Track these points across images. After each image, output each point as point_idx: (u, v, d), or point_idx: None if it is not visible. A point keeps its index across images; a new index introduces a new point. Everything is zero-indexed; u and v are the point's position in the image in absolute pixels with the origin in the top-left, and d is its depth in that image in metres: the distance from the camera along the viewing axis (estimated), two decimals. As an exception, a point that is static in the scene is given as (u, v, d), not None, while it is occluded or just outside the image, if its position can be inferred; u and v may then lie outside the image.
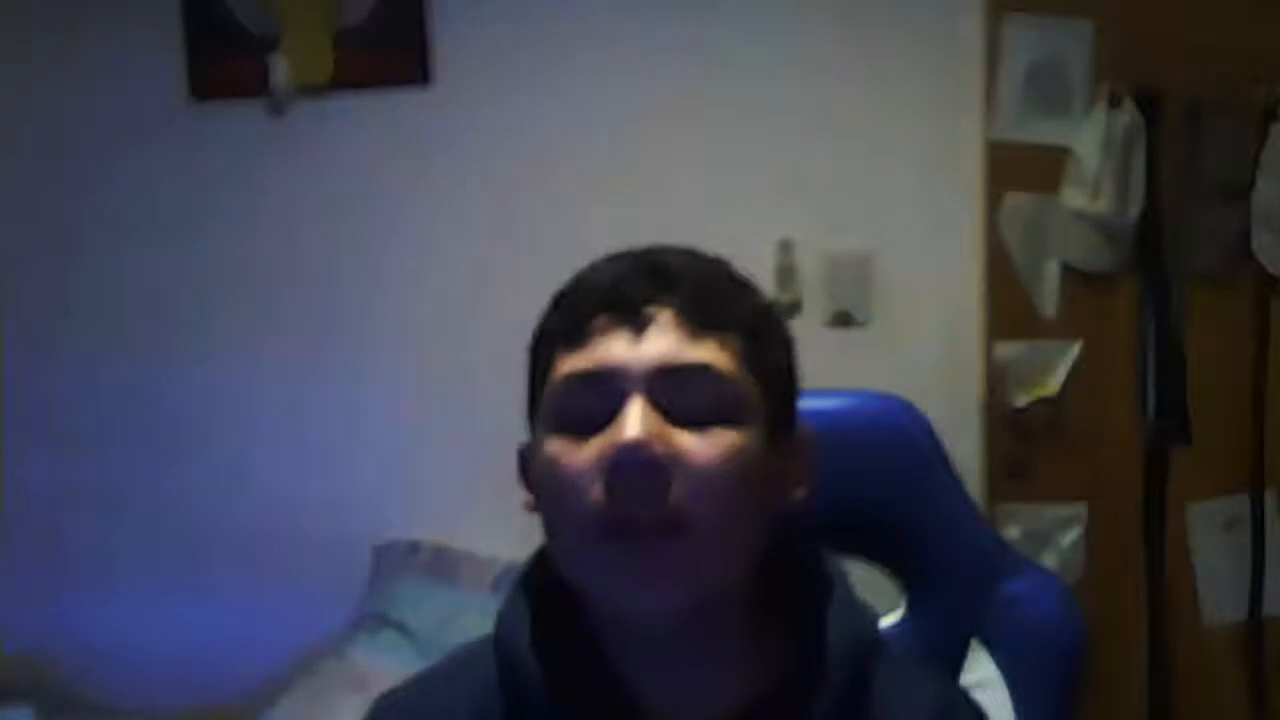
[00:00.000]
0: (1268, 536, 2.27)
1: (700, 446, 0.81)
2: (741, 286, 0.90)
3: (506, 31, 2.41)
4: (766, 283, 2.40)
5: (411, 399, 2.47)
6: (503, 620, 0.91)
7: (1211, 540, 2.28)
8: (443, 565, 2.35)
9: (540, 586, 0.91)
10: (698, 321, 0.84)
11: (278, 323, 2.52)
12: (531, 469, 0.88)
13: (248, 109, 2.46)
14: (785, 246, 2.37)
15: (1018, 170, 2.23)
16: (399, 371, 2.48)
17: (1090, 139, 2.19)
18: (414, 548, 2.41)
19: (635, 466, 0.79)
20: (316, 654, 2.33)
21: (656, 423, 0.80)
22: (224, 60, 2.46)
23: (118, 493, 2.55)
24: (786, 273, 2.37)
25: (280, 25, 2.43)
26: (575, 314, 0.86)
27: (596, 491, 0.80)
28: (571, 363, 0.84)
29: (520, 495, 0.90)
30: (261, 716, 2.20)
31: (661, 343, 0.83)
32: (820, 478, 0.93)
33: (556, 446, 0.83)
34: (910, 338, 2.36)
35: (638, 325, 0.84)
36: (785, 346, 0.91)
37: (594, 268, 0.89)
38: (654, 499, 0.80)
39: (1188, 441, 2.24)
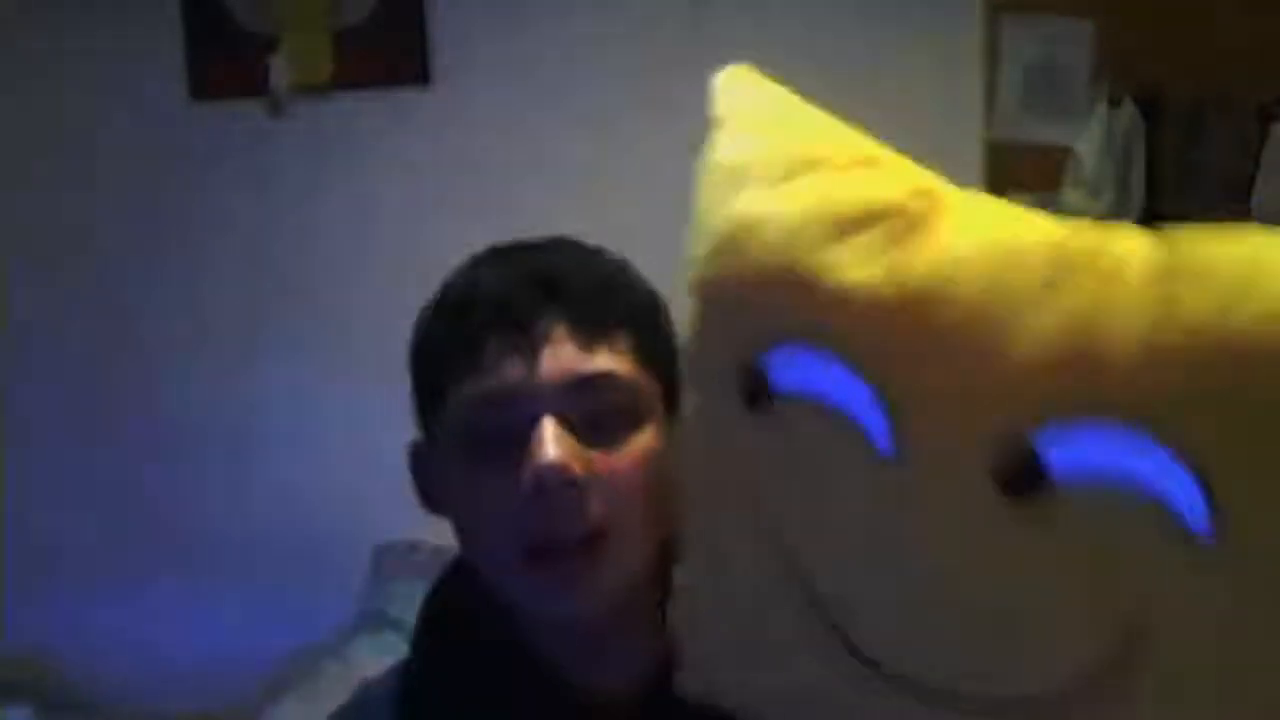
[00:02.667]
0: (1268, 536, 2.27)
1: (613, 460, 0.83)
2: (625, 280, 0.90)
3: (506, 31, 2.41)
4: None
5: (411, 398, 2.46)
6: (418, 659, 0.95)
7: (1211, 540, 2.28)
8: (443, 565, 2.35)
9: (452, 595, 0.95)
10: (590, 329, 0.85)
11: (277, 322, 2.52)
12: (433, 478, 0.91)
13: (248, 109, 2.46)
14: (785, 246, 2.37)
15: (1018, 170, 2.23)
16: (399, 370, 2.47)
17: (1090, 139, 2.19)
18: (414, 548, 2.41)
19: (556, 490, 0.80)
20: (316, 654, 2.33)
21: (569, 443, 0.81)
22: (224, 60, 2.46)
23: (118, 493, 2.55)
24: (786, 273, 2.37)
25: (280, 25, 2.43)
26: (465, 334, 0.86)
27: (517, 517, 0.81)
28: (470, 386, 0.85)
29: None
30: (262, 717, 2.21)
31: (560, 359, 0.84)
32: None
33: (469, 470, 0.85)
34: (910, 338, 2.36)
35: (532, 344, 0.84)
36: (671, 331, 0.90)
37: (478, 278, 0.91)
38: (576, 518, 0.81)
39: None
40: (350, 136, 2.46)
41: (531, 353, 0.84)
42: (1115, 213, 2.20)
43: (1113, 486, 0.59)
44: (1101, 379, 0.59)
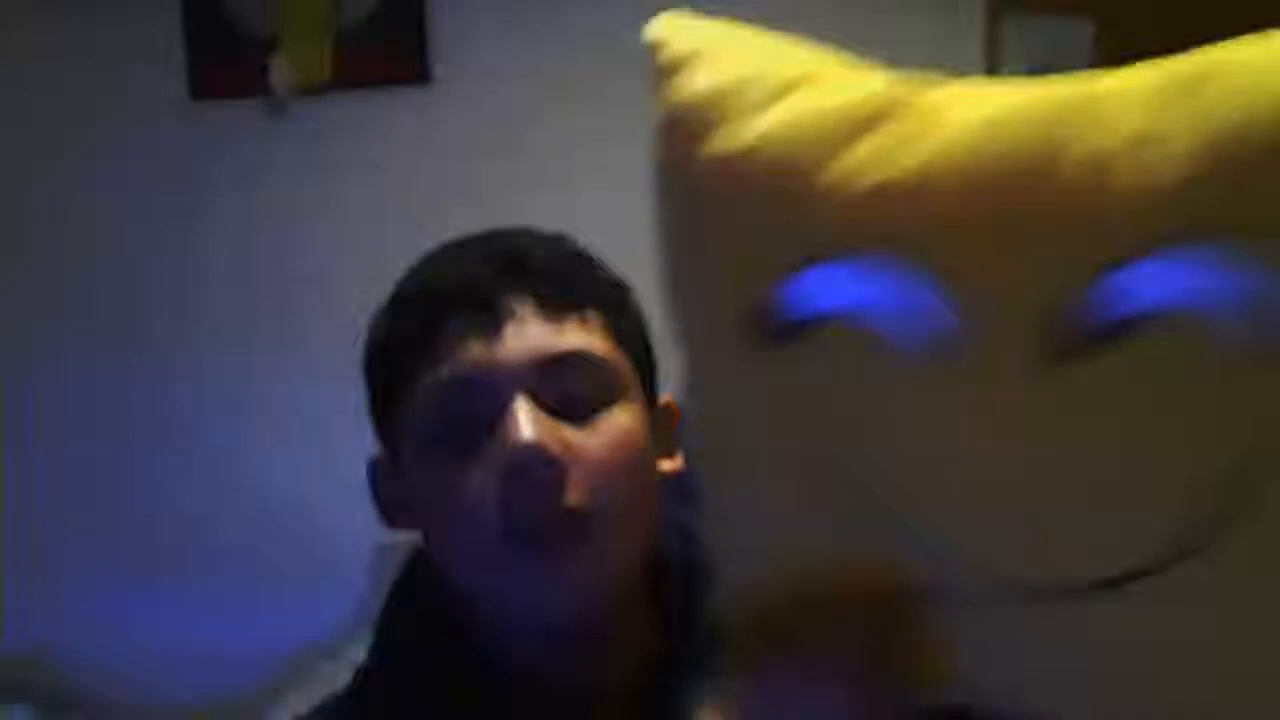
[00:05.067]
0: (1268, 536, 2.27)
1: (591, 440, 0.78)
2: (591, 261, 0.86)
3: (506, 31, 2.41)
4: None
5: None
6: (372, 669, 0.88)
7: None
8: (442, 565, 2.35)
9: (411, 613, 0.88)
10: (559, 306, 0.80)
11: (277, 321, 2.52)
12: (394, 486, 0.85)
13: (248, 109, 2.46)
14: (785, 246, 2.37)
15: (1018, 170, 2.23)
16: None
17: (1090, 139, 2.19)
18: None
19: (533, 469, 0.75)
20: (316, 654, 2.33)
21: (544, 421, 0.77)
22: (224, 60, 2.46)
23: (117, 492, 2.55)
24: (786, 273, 2.37)
25: (280, 25, 2.43)
26: (425, 320, 0.81)
27: (492, 503, 0.76)
28: (434, 374, 0.80)
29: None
30: (262, 717, 2.21)
31: (529, 336, 0.79)
32: None
33: (437, 463, 0.79)
34: (910, 338, 2.36)
35: (500, 322, 0.79)
36: (641, 318, 0.86)
37: (436, 264, 0.85)
38: (556, 498, 0.76)
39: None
40: (350, 136, 2.46)
41: (496, 332, 0.79)
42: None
43: (1176, 313, 0.54)
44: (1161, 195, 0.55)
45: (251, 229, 2.51)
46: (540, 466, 0.75)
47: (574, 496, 0.76)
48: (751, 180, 0.62)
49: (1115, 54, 2.41)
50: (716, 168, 0.63)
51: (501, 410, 0.77)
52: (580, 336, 0.80)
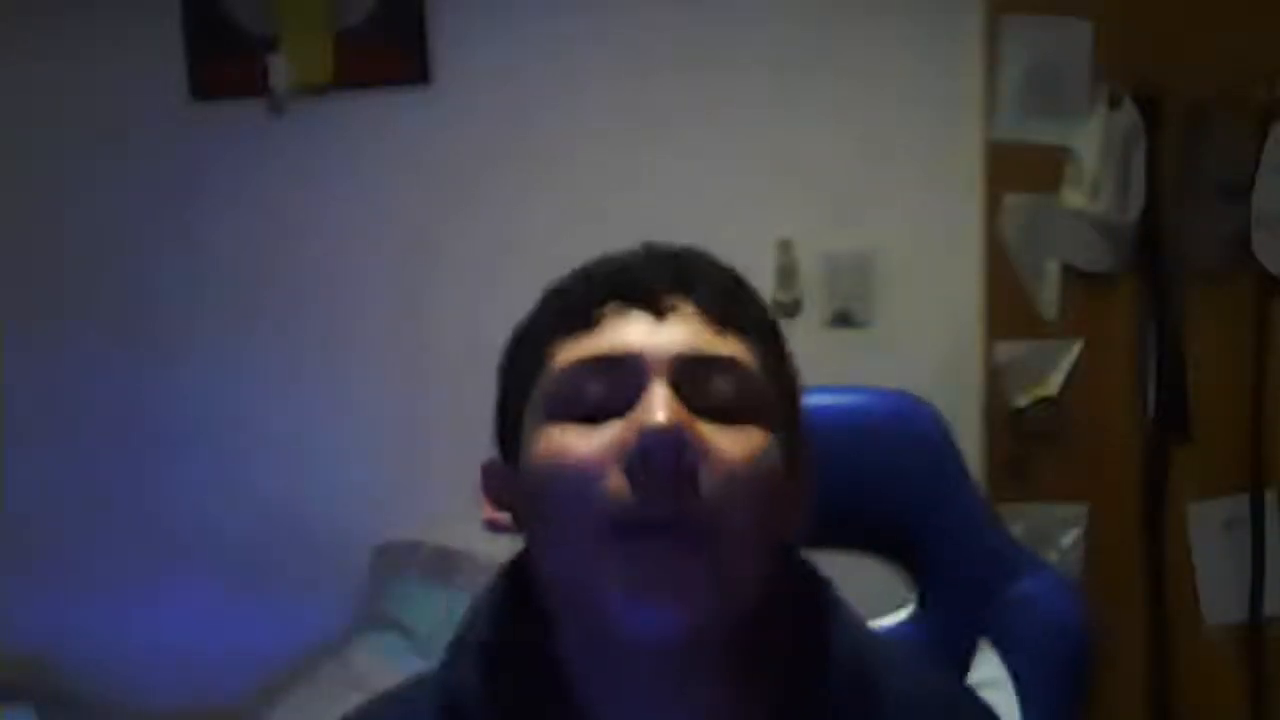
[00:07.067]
0: (1268, 536, 2.27)
1: (728, 441, 0.72)
2: (751, 290, 0.83)
3: (506, 31, 2.41)
4: (766, 283, 2.42)
5: (411, 398, 2.46)
6: (454, 655, 0.81)
7: (1211, 540, 2.28)
8: (443, 565, 2.35)
9: (502, 615, 0.81)
10: (718, 318, 0.77)
11: (277, 322, 2.52)
12: (508, 480, 0.80)
13: (248, 109, 2.46)
14: (785, 246, 2.37)
15: (1018, 170, 2.23)
16: (399, 371, 2.47)
17: (1090, 139, 2.19)
18: (414, 548, 2.41)
19: (664, 452, 0.69)
20: (316, 654, 2.32)
21: (682, 410, 0.71)
22: (224, 60, 2.46)
23: (117, 493, 2.55)
24: (786, 272, 2.37)
25: (280, 25, 2.43)
26: (582, 300, 0.77)
27: (615, 482, 0.70)
28: (579, 349, 0.75)
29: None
30: (261, 717, 2.20)
31: (685, 331, 0.75)
32: (834, 473, 0.87)
33: (561, 435, 0.73)
34: (910, 338, 2.36)
35: (659, 310, 0.76)
36: (790, 359, 0.83)
37: (600, 262, 0.81)
38: (682, 492, 0.70)
39: (1188, 441, 2.24)
40: (350, 136, 2.46)
41: (655, 319, 0.75)
42: (1115, 212, 2.20)
43: None
44: None
45: (252, 228, 2.51)
46: (671, 452, 0.70)
47: (698, 493, 0.70)
48: None
49: (1115, 54, 2.42)
50: None
51: (640, 394, 0.72)
52: (736, 349, 0.76)
